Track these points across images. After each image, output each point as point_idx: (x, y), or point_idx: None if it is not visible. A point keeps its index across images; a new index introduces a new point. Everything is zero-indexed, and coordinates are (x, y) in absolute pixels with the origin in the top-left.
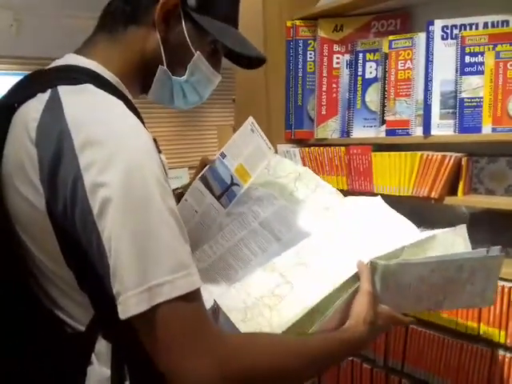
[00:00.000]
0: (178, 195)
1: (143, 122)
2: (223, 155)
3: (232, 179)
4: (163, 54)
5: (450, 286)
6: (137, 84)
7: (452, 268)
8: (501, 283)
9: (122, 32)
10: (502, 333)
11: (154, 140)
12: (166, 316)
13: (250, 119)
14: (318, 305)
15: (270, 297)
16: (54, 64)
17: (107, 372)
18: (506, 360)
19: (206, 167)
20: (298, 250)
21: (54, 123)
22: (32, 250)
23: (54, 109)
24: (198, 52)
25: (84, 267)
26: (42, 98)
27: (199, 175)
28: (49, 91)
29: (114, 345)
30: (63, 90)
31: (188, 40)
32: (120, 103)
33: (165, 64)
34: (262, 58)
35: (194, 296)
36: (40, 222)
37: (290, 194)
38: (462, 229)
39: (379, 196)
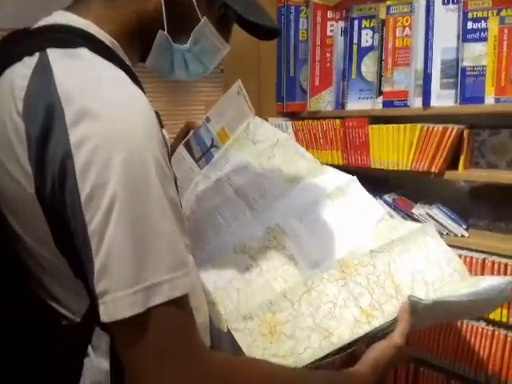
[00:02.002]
0: None
1: (144, 92)
2: (208, 119)
3: (212, 142)
4: (164, 17)
5: (468, 309)
6: (135, 49)
7: (475, 298)
8: (503, 260)
9: None
10: (504, 311)
11: (157, 113)
12: (159, 322)
13: (238, 82)
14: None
15: (239, 280)
16: (41, 23)
17: (106, 364)
18: (508, 339)
19: (191, 132)
20: (270, 231)
21: (42, 93)
22: (22, 236)
23: (43, 76)
24: (204, 17)
25: (77, 254)
26: (30, 63)
27: (183, 141)
28: (37, 55)
29: (111, 336)
30: (53, 54)
31: (195, 3)
32: (118, 71)
33: (165, 28)
34: (275, 29)
35: (187, 299)
36: (29, 205)
37: (266, 161)
38: (430, 227)
39: (355, 176)
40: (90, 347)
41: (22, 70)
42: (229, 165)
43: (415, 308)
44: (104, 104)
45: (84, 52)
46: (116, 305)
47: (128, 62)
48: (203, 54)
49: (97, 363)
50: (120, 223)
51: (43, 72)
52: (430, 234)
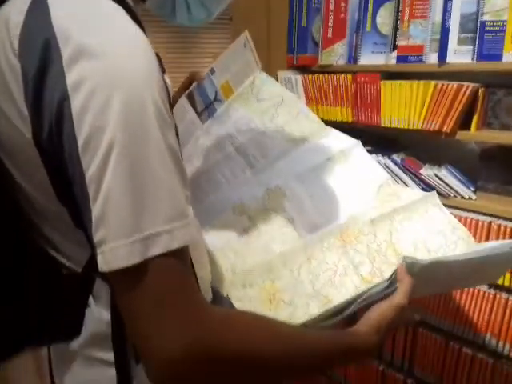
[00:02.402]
0: None
1: (145, 33)
2: (212, 71)
3: (216, 95)
4: None
5: (471, 273)
6: None
7: (479, 261)
8: (509, 224)
9: None
10: (507, 275)
11: (158, 56)
12: (158, 272)
13: (245, 33)
14: (341, 304)
15: (236, 240)
16: None
17: (107, 315)
18: (509, 303)
19: (194, 83)
20: (269, 192)
21: (38, 30)
22: (22, 184)
23: (39, 12)
24: None
25: (76, 203)
26: None
27: (186, 92)
28: None
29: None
30: None
31: None
32: (119, 9)
33: None
34: None
35: (187, 251)
36: (27, 151)
37: (269, 120)
38: (433, 195)
39: (359, 140)
40: (91, 297)
41: (19, 6)
42: (231, 121)
43: (411, 269)
44: (102, 43)
45: None
46: (114, 254)
47: (131, 3)
48: None
49: (98, 314)
50: (117, 171)
51: (39, 7)
52: (433, 202)
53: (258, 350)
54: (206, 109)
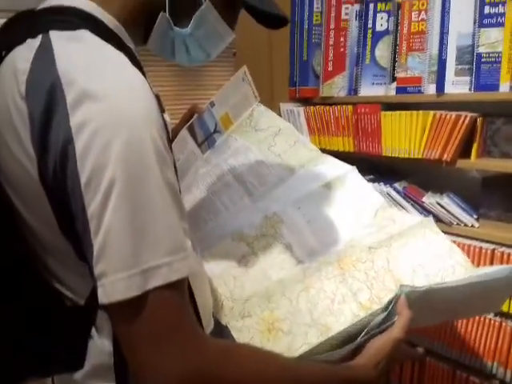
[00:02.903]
0: None
1: (145, 75)
2: (212, 104)
3: (216, 127)
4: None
5: (471, 300)
6: (137, 32)
7: (477, 287)
8: (507, 250)
9: None
10: None
11: (157, 97)
12: (156, 304)
13: (244, 68)
14: (340, 333)
15: (235, 267)
16: (45, 4)
17: (109, 346)
18: None
19: (195, 116)
20: (267, 219)
21: (44, 75)
22: (27, 218)
23: (45, 59)
24: (206, 1)
25: (79, 237)
26: (32, 45)
27: (187, 124)
28: (39, 37)
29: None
30: (55, 36)
31: None
32: (119, 54)
33: (167, 10)
34: (284, 18)
35: (185, 284)
36: (33, 188)
37: (267, 149)
38: (430, 221)
39: (354, 166)
40: (93, 329)
41: (25, 53)
42: (230, 150)
43: (410, 297)
44: (104, 87)
45: (86, 34)
46: (113, 287)
47: (131, 45)
48: (205, 40)
49: (100, 345)
50: (118, 207)
51: (45, 54)
52: (430, 227)
53: (253, 381)
54: (206, 140)
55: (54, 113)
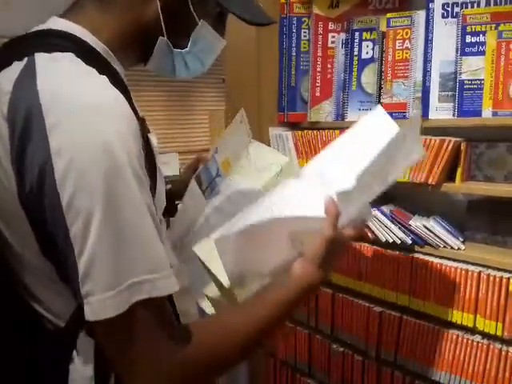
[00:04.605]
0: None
1: (130, 97)
2: (216, 150)
3: (217, 171)
4: (163, 25)
5: (390, 160)
6: (131, 55)
7: (390, 150)
8: (498, 274)
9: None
10: (499, 325)
11: (143, 119)
12: (141, 318)
13: (241, 111)
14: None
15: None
16: (36, 28)
17: (90, 370)
18: (503, 353)
19: (201, 167)
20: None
21: (25, 96)
22: (8, 238)
23: (27, 79)
24: (201, 20)
25: (60, 257)
26: (17, 67)
27: (194, 174)
28: (25, 59)
29: (96, 341)
30: (40, 58)
31: (191, 7)
32: (101, 77)
33: (165, 35)
34: (272, 22)
35: (165, 302)
36: (13, 208)
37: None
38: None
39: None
40: (74, 353)
41: (9, 75)
42: (227, 192)
43: (347, 197)
44: (83, 109)
45: (69, 56)
46: (100, 305)
47: (119, 69)
48: (202, 53)
49: (81, 369)
50: (101, 231)
51: (27, 76)
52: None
53: (220, 351)
54: (209, 185)
55: (32, 133)
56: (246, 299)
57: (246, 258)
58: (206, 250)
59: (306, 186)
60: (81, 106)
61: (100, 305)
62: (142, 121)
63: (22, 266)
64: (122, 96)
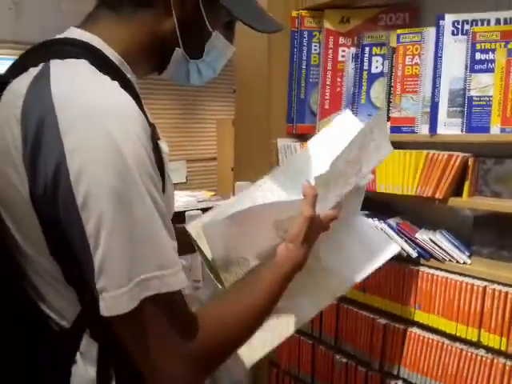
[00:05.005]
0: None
1: (141, 104)
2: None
3: None
4: (179, 36)
5: (362, 152)
6: (146, 66)
7: (360, 141)
8: (504, 289)
9: (130, 13)
10: (504, 340)
11: (153, 126)
12: (152, 313)
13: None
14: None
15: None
16: (56, 36)
17: (93, 372)
18: (507, 368)
19: None
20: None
21: (38, 98)
22: (17, 238)
23: (41, 83)
24: (215, 31)
25: (70, 259)
26: (33, 73)
27: None
28: (41, 65)
29: (100, 344)
30: (54, 64)
31: (206, 20)
32: (113, 82)
33: (181, 46)
34: (280, 29)
35: (178, 294)
36: (24, 210)
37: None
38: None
39: None
40: (78, 355)
41: (25, 80)
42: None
43: (323, 181)
44: (96, 113)
45: (83, 63)
46: (116, 301)
47: (132, 78)
48: (214, 61)
49: (84, 371)
50: (112, 230)
51: (42, 81)
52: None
53: (232, 332)
54: None
55: (46, 134)
56: (236, 281)
57: (233, 243)
58: (197, 230)
59: (290, 180)
60: (94, 108)
61: (114, 301)
62: (152, 127)
63: (31, 266)
64: (133, 101)
